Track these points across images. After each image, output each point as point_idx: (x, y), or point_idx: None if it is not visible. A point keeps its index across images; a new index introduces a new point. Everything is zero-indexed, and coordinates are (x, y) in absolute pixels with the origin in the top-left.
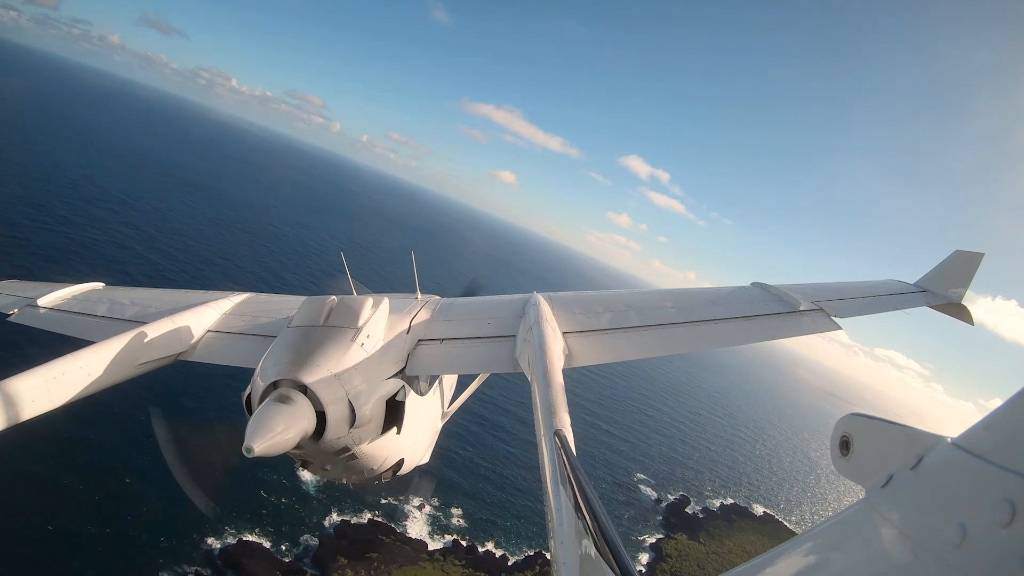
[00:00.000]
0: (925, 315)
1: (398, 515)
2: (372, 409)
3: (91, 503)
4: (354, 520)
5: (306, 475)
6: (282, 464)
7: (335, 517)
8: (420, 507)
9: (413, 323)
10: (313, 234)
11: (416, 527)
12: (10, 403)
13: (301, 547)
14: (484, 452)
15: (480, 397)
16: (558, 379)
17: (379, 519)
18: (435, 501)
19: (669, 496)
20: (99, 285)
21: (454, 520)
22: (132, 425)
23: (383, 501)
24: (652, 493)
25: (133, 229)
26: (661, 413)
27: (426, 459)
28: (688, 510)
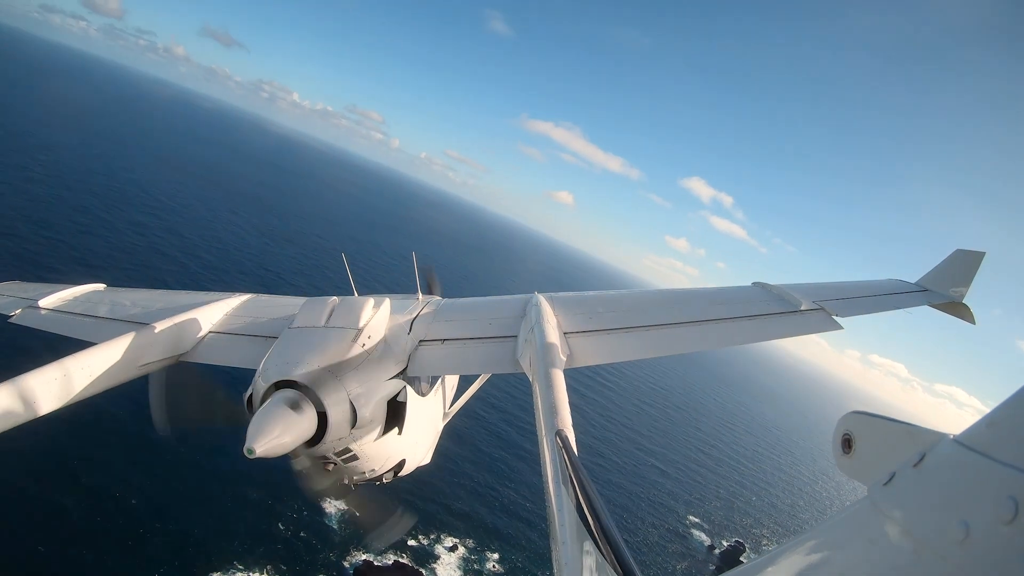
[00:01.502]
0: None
1: (427, 558)
2: (373, 410)
3: (86, 523)
4: (378, 562)
5: (328, 507)
6: (301, 494)
7: (357, 557)
8: (452, 549)
9: (414, 324)
10: (363, 248)
11: (446, 572)
12: (12, 404)
13: None
14: (525, 489)
15: (518, 424)
16: (559, 379)
17: (405, 561)
18: (469, 543)
19: (723, 543)
20: (100, 286)
21: (489, 565)
22: (132, 425)
23: (409, 542)
24: (705, 538)
25: (174, 235)
26: (717, 451)
27: (427, 460)
28: (744, 559)
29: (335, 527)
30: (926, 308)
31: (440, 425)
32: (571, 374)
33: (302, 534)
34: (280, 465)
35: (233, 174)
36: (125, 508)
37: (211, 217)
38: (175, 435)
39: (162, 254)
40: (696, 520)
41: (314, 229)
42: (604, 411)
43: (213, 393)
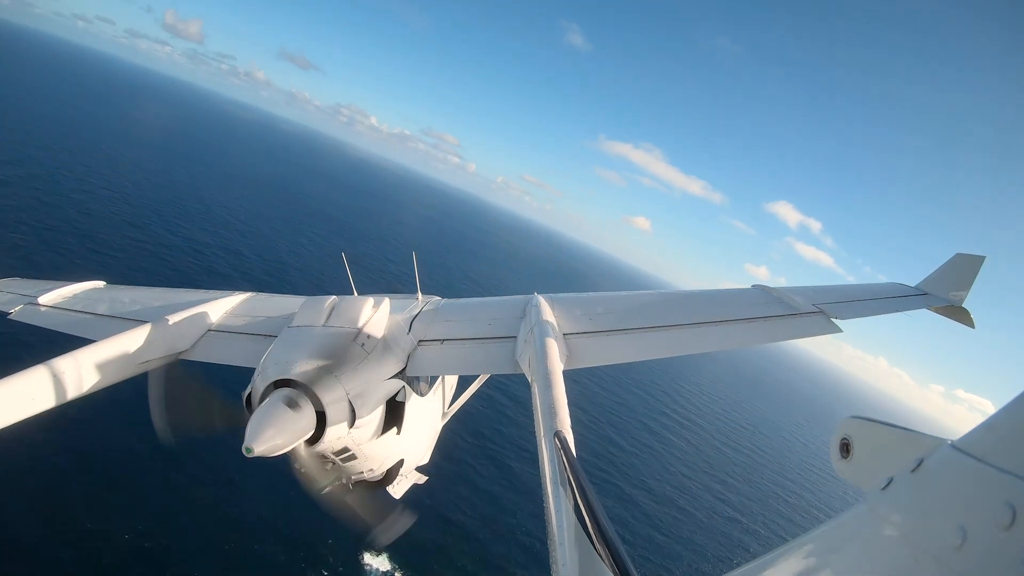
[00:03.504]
0: None
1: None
2: (372, 409)
3: (84, 523)
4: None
5: (371, 563)
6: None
7: None
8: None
9: (414, 324)
10: (433, 272)
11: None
12: (10, 401)
13: None
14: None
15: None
16: (559, 380)
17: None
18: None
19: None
20: (100, 283)
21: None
22: (133, 425)
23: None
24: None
25: (233, 255)
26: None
27: (426, 459)
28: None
29: None
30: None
31: (439, 425)
32: (570, 375)
33: None
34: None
35: (308, 194)
36: (124, 509)
37: (275, 237)
38: (177, 442)
39: (214, 274)
40: (699, 519)
41: (385, 253)
42: (605, 412)
43: (211, 397)
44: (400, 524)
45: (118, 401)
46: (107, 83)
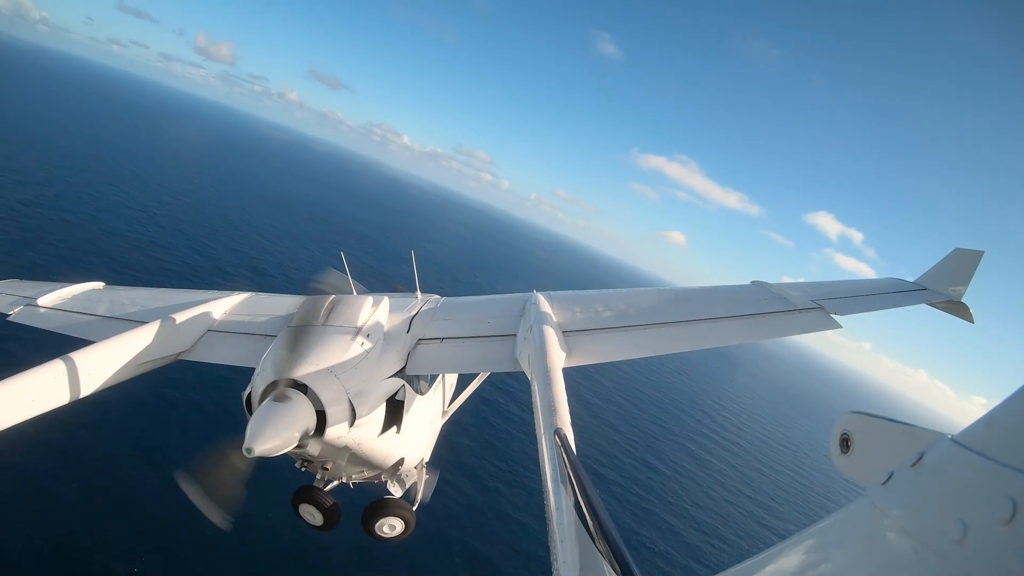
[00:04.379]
0: None
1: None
2: (372, 408)
3: (80, 525)
4: None
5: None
6: None
7: None
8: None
9: (413, 322)
10: (466, 290)
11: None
12: (10, 402)
13: None
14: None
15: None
16: (558, 378)
17: None
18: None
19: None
20: (99, 285)
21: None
22: (133, 426)
23: None
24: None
25: (258, 274)
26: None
27: (426, 458)
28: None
29: None
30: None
31: (439, 423)
32: (570, 372)
33: None
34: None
35: (339, 213)
36: (123, 511)
37: (301, 253)
38: (232, 517)
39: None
40: (702, 519)
41: (413, 270)
42: (606, 409)
43: (224, 455)
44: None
45: (119, 402)
46: (144, 105)
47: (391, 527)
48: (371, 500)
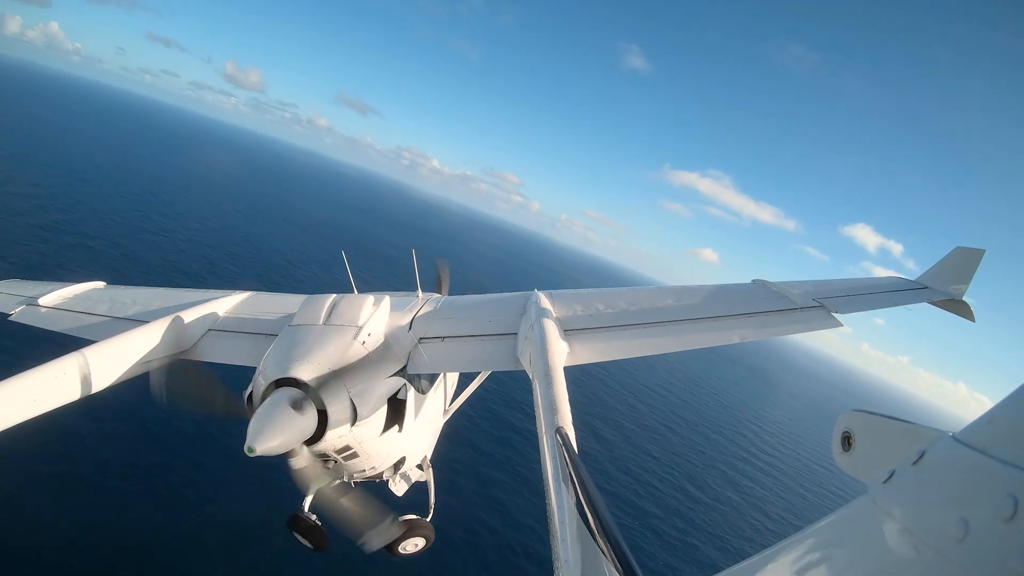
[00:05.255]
0: None
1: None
2: (373, 407)
3: (78, 528)
4: None
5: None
6: None
7: None
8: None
9: (414, 321)
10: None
11: None
12: (11, 402)
13: None
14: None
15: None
16: (559, 377)
17: None
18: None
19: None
20: (100, 284)
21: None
22: (133, 427)
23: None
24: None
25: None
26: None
27: (428, 457)
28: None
29: None
30: None
31: (440, 422)
32: (572, 371)
33: None
34: None
35: (368, 236)
36: (121, 514)
37: (324, 276)
38: (166, 401)
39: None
40: (706, 520)
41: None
42: (608, 409)
43: (216, 385)
44: (391, 531)
45: (119, 402)
46: (177, 134)
47: (415, 545)
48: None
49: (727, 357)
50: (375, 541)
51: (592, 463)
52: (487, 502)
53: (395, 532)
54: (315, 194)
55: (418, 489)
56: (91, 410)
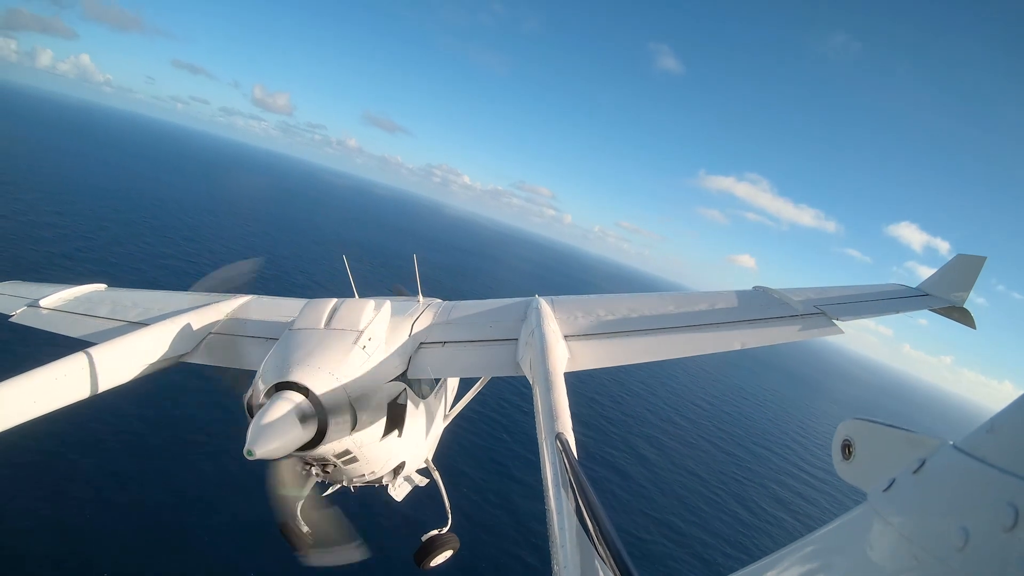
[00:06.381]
0: None
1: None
2: (373, 412)
3: (77, 531)
4: None
5: None
6: None
7: None
8: None
9: (415, 326)
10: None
11: None
12: (12, 404)
13: None
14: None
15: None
16: (560, 382)
17: None
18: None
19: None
20: (101, 286)
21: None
22: (133, 428)
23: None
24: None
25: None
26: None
27: (428, 462)
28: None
29: None
30: None
31: (440, 427)
32: (571, 377)
33: None
34: None
35: (396, 255)
36: (124, 512)
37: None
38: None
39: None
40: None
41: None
42: (648, 424)
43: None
44: (345, 555)
45: (120, 404)
46: (210, 160)
47: (443, 557)
48: (418, 546)
49: (767, 364)
50: (322, 559)
51: (633, 487)
52: (491, 505)
53: (350, 558)
54: (350, 215)
55: (431, 497)
56: (92, 412)
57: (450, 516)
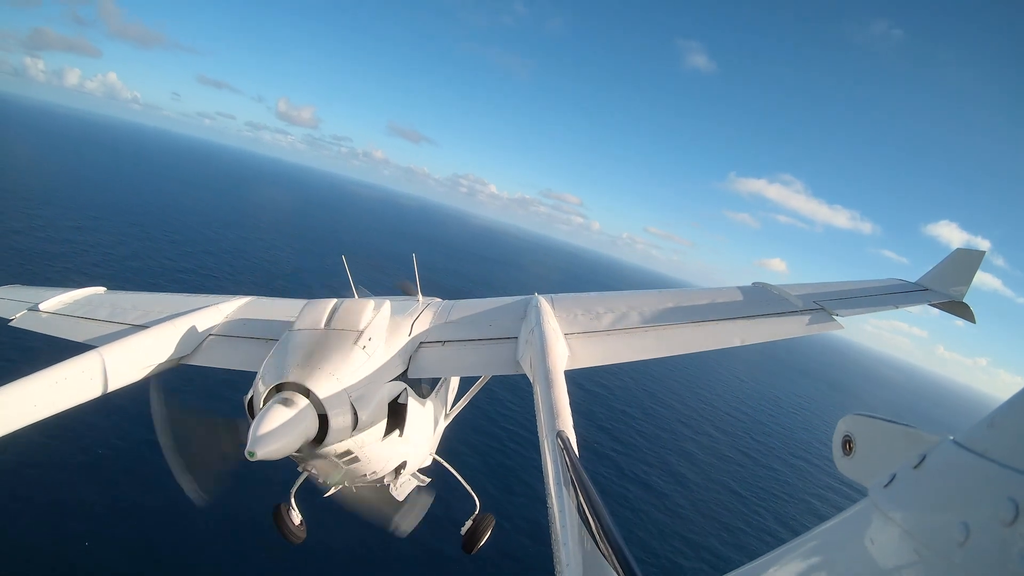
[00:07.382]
0: None
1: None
2: (374, 412)
3: (74, 535)
4: None
5: None
6: None
7: None
8: None
9: (415, 325)
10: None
11: None
12: (12, 407)
13: None
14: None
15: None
16: (560, 380)
17: None
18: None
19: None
20: (100, 290)
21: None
22: (134, 430)
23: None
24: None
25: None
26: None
27: (428, 461)
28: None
29: None
30: None
31: (442, 427)
32: (572, 375)
33: None
34: None
35: (424, 265)
36: (124, 512)
37: None
38: (208, 496)
39: None
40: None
41: None
42: (681, 437)
43: (212, 424)
44: (419, 507)
45: (120, 407)
46: (237, 175)
47: (486, 537)
48: (463, 535)
49: (797, 368)
50: (407, 522)
51: (672, 511)
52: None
53: (424, 507)
54: (376, 226)
55: (455, 489)
56: (92, 415)
57: (476, 498)
